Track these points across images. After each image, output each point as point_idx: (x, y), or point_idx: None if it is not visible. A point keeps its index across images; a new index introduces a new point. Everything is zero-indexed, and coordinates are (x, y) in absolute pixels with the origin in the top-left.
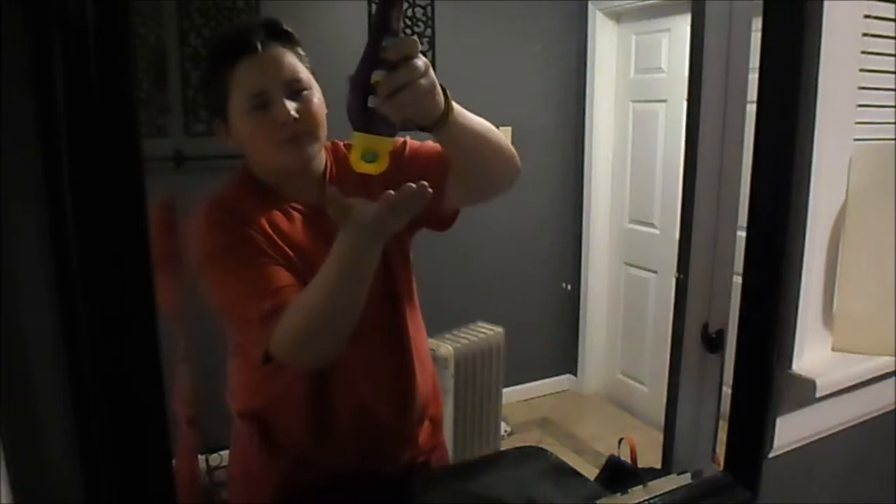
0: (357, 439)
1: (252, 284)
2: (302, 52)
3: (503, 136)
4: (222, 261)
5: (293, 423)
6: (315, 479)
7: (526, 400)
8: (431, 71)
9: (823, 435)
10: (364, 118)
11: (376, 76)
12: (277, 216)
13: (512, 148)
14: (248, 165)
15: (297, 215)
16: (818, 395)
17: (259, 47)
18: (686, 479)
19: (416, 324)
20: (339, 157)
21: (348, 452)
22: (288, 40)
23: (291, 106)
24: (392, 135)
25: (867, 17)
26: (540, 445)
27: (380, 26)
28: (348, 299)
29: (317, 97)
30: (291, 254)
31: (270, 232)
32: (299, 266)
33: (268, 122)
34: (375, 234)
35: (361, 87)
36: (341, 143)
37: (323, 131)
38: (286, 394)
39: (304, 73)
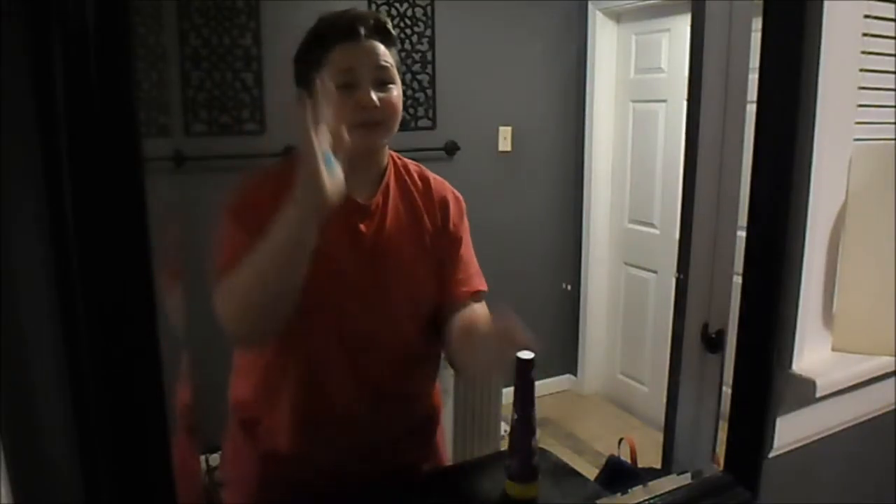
0: (346, 441)
1: (236, 246)
2: (395, 51)
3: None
4: (237, 223)
5: (281, 419)
6: (302, 477)
7: None
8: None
9: (823, 435)
10: (529, 473)
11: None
12: None
13: None
14: None
15: (338, 209)
16: (818, 395)
17: (361, 36)
18: (686, 479)
19: (425, 333)
20: (399, 169)
21: (336, 453)
22: (387, 37)
23: (376, 95)
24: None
25: (867, 17)
26: (540, 445)
27: (529, 402)
28: (279, 277)
29: (397, 92)
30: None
31: None
32: (313, 260)
33: (350, 102)
34: (320, 211)
35: (527, 451)
36: (411, 164)
37: (396, 123)
38: (277, 388)
39: (393, 69)
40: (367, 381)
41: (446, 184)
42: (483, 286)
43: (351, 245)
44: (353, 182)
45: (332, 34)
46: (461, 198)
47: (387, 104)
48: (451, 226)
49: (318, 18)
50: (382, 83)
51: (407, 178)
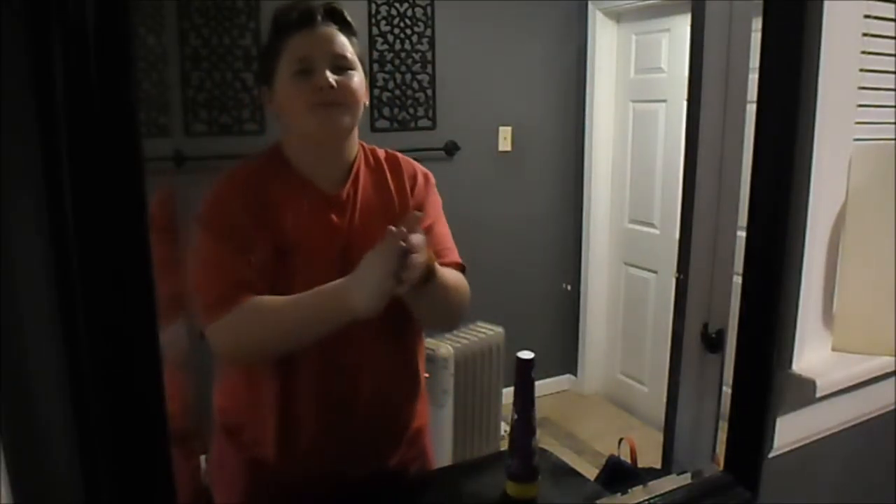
0: (330, 446)
1: (220, 266)
2: (355, 41)
3: (465, 289)
4: (210, 232)
5: (264, 426)
6: (288, 482)
7: None
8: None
9: (823, 435)
10: (529, 473)
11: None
12: (291, 201)
13: (466, 297)
14: (280, 143)
15: (310, 204)
16: (818, 395)
17: (316, 23)
18: (686, 479)
19: (411, 337)
20: (368, 156)
21: (321, 458)
22: (345, 26)
23: (333, 77)
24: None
25: (867, 17)
26: (540, 445)
27: (529, 402)
28: (296, 341)
29: (358, 77)
30: (287, 243)
31: (274, 217)
32: (291, 256)
33: (308, 86)
34: (350, 314)
35: (527, 451)
36: (378, 149)
37: (358, 108)
38: (258, 395)
39: (351, 55)
40: (348, 383)
41: (415, 162)
42: (459, 260)
43: (327, 240)
44: (322, 174)
45: (288, 23)
46: (430, 174)
47: (345, 87)
48: (416, 196)
49: (275, 10)
50: (341, 68)
51: (375, 163)
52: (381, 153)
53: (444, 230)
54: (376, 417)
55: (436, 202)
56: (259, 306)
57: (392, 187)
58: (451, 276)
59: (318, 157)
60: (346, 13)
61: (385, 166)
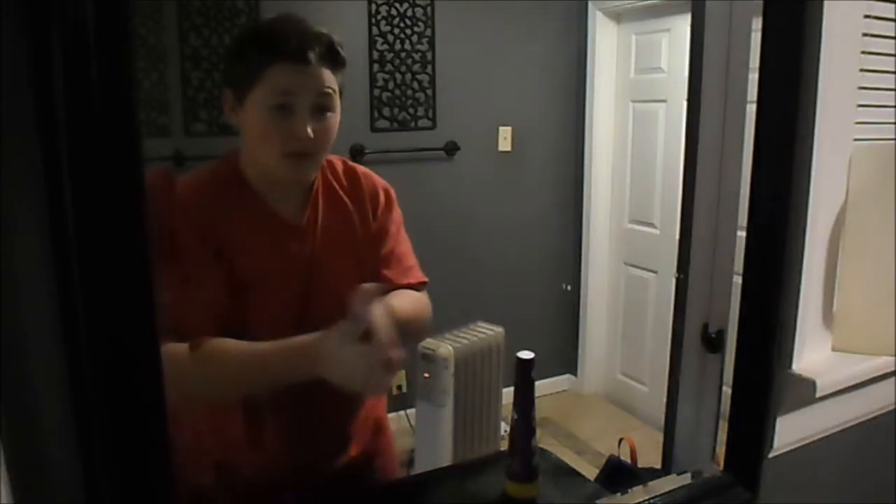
0: (286, 451)
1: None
2: (342, 74)
3: (423, 313)
4: (173, 261)
5: (220, 427)
6: (246, 481)
7: None
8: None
9: (823, 435)
10: (529, 473)
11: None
12: (247, 231)
13: (427, 314)
14: (239, 158)
15: (269, 235)
16: (818, 395)
17: (311, 61)
18: (686, 479)
19: None
20: (327, 174)
21: (273, 458)
22: (337, 64)
23: (311, 126)
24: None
25: (867, 17)
26: (540, 445)
27: (529, 402)
28: (256, 390)
29: (334, 120)
30: (244, 277)
31: (229, 250)
32: (248, 291)
33: (283, 127)
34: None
35: (527, 451)
36: (336, 160)
37: (327, 153)
38: (218, 411)
39: (335, 96)
40: (307, 398)
41: (375, 177)
42: (422, 278)
43: (287, 269)
44: (281, 196)
45: (276, 49)
46: (391, 190)
47: (321, 135)
48: (378, 219)
49: (268, 25)
50: (321, 110)
51: (335, 181)
52: (339, 165)
53: (404, 249)
54: (331, 413)
55: (397, 220)
56: (216, 355)
57: (353, 210)
58: (405, 309)
59: (278, 181)
60: (341, 50)
61: (345, 183)
